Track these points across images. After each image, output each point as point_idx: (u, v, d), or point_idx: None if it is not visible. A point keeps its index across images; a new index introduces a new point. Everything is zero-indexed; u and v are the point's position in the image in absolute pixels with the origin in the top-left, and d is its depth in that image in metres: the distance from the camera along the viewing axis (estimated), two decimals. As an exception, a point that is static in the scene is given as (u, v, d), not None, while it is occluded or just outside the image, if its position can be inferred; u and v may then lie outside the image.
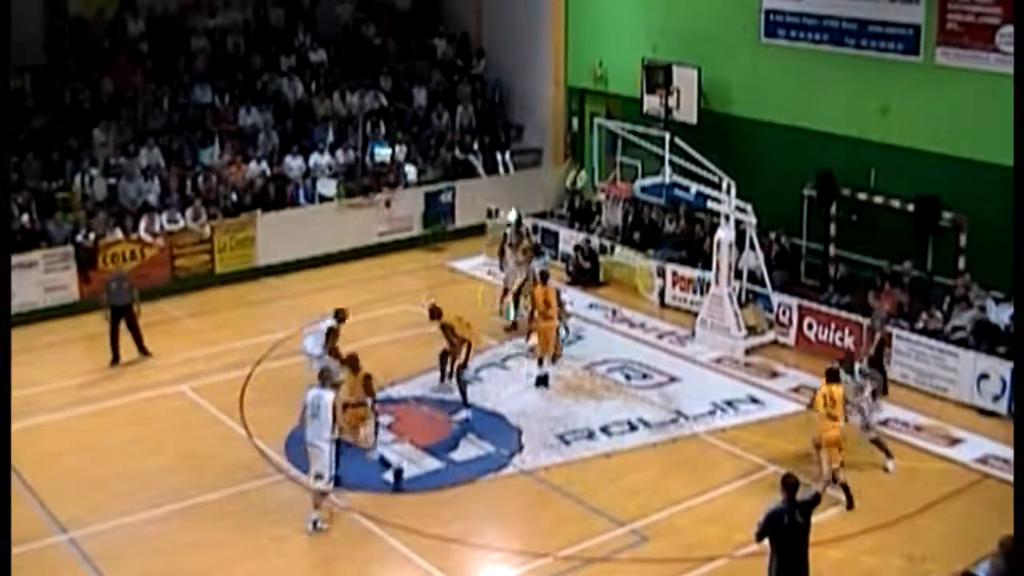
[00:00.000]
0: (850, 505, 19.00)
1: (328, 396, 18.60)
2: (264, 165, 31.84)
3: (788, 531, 14.91)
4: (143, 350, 25.43)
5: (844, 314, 25.23)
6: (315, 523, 18.69)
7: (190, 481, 20.07)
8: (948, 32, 25.77)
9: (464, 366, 23.13)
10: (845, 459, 19.24)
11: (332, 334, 22.26)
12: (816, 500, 15.22)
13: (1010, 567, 14.60)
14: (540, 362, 24.13)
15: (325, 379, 18.93)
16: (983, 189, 25.06)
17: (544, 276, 24.86)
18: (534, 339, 24.71)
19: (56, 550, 18.14)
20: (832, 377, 19.62)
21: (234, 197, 30.69)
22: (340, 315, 22.75)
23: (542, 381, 23.85)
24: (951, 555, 17.53)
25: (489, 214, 33.58)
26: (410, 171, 33.28)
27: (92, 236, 28.08)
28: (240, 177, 31.21)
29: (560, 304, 24.87)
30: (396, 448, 21.27)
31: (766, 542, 15.05)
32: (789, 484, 15.04)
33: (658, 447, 21.51)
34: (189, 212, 29.60)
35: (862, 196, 27.39)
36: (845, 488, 19.11)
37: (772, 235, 28.03)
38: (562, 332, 25.17)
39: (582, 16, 34.58)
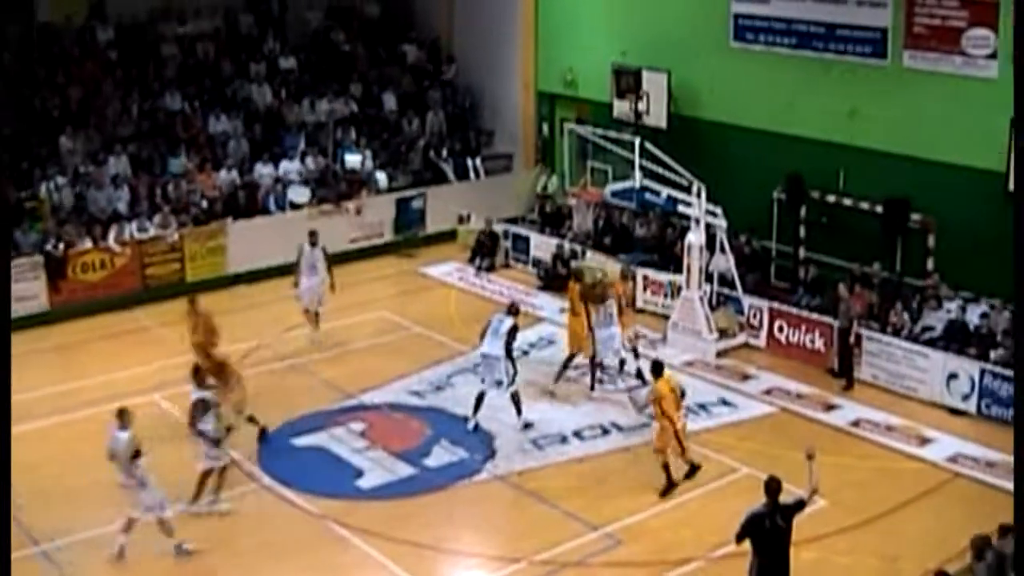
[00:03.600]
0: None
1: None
2: (234, 172, 31.77)
3: (770, 534, 14.91)
4: None
5: (814, 316, 25.32)
6: None
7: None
8: (915, 35, 25.93)
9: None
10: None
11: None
12: (800, 505, 15.19)
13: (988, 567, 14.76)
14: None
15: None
16: (951, 191, 25.27)
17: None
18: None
19: (29, 563, 18.02)
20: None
21: (204, 205, 30.62)
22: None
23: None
24: (924, 554, 17.62)
25: (460, 220, 33.61)
26: (381, 178, 33.27)
27: (62, 246, 27.99)
28: (210, 185, 31.14)
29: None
30: (369, 455, 21.29)
31: (747, 544, 15.07)
32: (772, 488, 15.02)
33: (631, 451, 21.54)
34: (157, 219, 29.49)
35: (831, 198, 27.54)
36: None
37: (742, 238, 28.15)
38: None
39: (552, 21, 34.62)
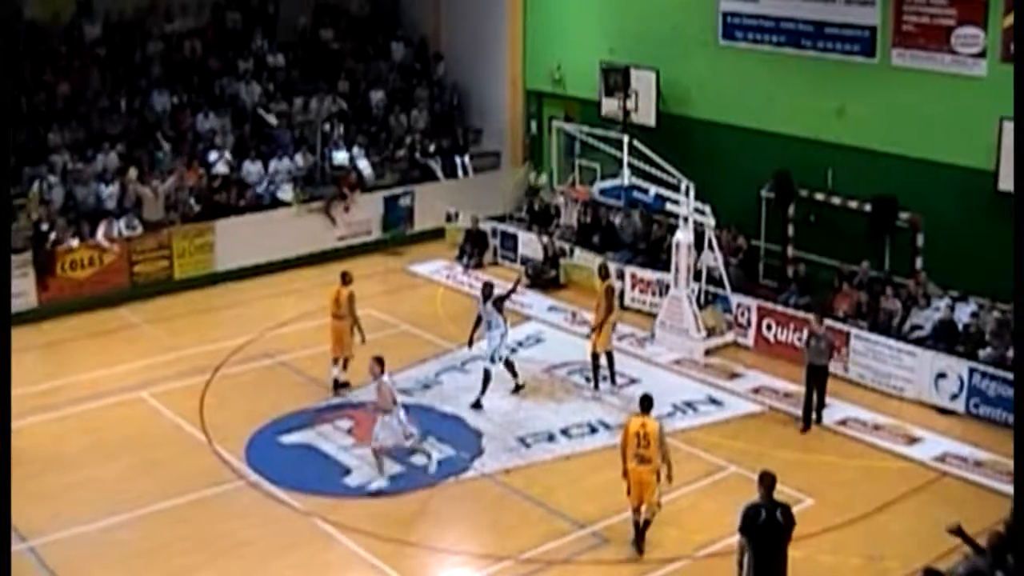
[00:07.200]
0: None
1: None
2: (222, 169, 31.69)
3: (764, 528, 14.72)
4: None
5: (802, 314, 25.29)
6: None
7: (150, 488, 19.98)
8: (904, 34, 25.97)
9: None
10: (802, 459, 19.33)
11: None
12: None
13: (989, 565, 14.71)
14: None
15: None
16: (939, 189, 25.31)
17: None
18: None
19: (16, 559, 17.92)
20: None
21: (192, 202, 30.56)
22: None
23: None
24: (910, 553, 17.60)
25: (448, 218, 33.58)
26: (364, 165, 33.22)
27: (53, 235, 27.95)
28: (198, 182, 31.06)
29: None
30: (357, 452, 21.25)
31: (738, 540, 15.02)
32: (765, 482, 14.86)
33: (618, 449, 21.44)
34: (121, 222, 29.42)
35: (820, 197, 27.56)
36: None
37: (728, 235, 28.11)
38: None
39: (540, 19, 34.62)
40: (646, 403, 18.07)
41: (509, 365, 23.52)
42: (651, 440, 17.56)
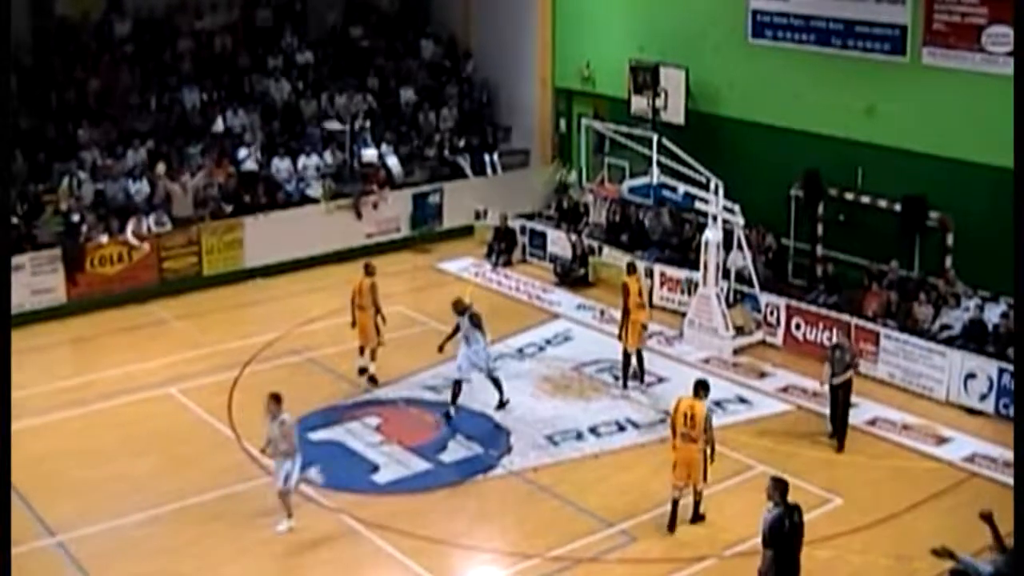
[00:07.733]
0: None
1: None
2: (251, 166, 31.76)
3: (789, 534, 14.90)
4: None
5: (832, 314, 25.22)
6: None
7: (178, 484, 20.03)
8: (934, 32, 25.85)
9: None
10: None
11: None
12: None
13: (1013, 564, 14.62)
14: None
15: None
16: (969, 189, 25.20)
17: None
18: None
19: (44, 553, 18.10)
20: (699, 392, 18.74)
21: (221, 199, 30.63)
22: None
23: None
24: (938, 554, 17.56)
25: (477, 215, 33.59)
26: (394, 165, 33.24)
27: (84, 227, 28.05)
28: (227, 179, 31.13)
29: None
30: (384, 449, 21.29)
31: (759, 541, 15.01)
32: (782, 488, 14.99)
33: (646, 447, 21.51)
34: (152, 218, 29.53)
35: (849, 196, 27.49)
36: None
37: (757, 234, 28.04)
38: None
39: (569, 17, 34.59)
40: (700, 387, 18.76)
41: (496, 382, 23.25)
42: (697, 422, 18.28)
